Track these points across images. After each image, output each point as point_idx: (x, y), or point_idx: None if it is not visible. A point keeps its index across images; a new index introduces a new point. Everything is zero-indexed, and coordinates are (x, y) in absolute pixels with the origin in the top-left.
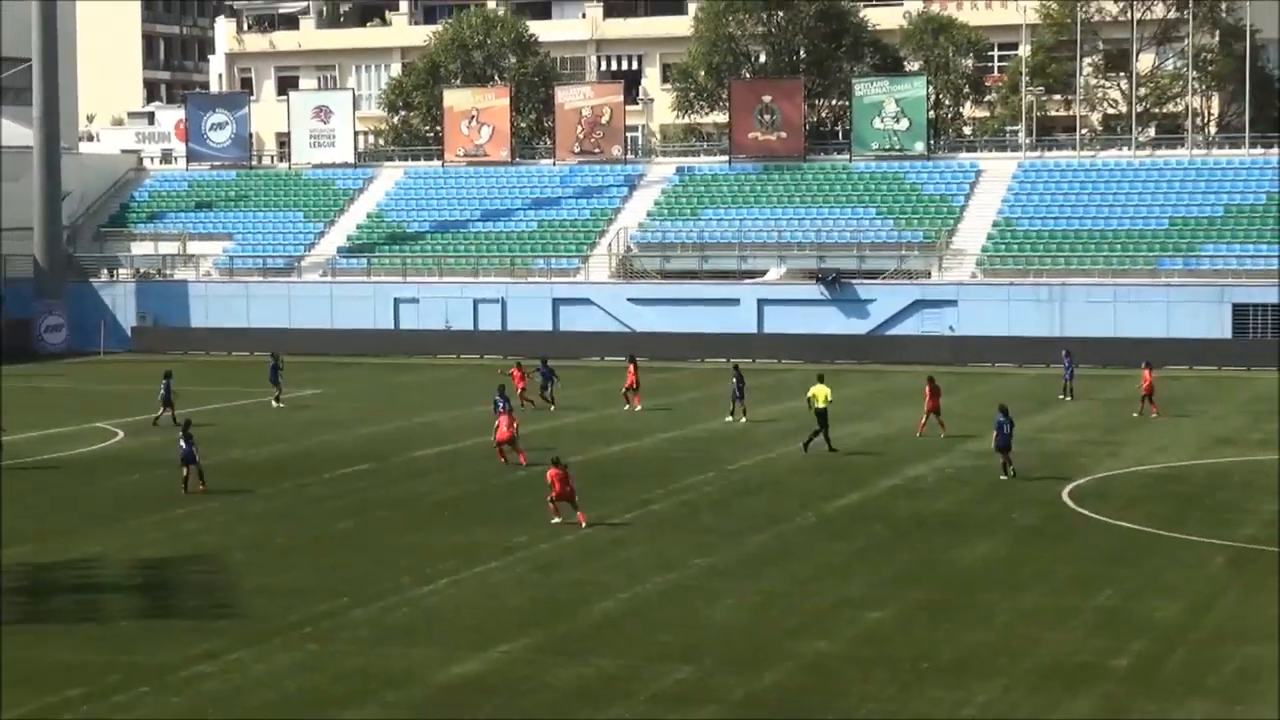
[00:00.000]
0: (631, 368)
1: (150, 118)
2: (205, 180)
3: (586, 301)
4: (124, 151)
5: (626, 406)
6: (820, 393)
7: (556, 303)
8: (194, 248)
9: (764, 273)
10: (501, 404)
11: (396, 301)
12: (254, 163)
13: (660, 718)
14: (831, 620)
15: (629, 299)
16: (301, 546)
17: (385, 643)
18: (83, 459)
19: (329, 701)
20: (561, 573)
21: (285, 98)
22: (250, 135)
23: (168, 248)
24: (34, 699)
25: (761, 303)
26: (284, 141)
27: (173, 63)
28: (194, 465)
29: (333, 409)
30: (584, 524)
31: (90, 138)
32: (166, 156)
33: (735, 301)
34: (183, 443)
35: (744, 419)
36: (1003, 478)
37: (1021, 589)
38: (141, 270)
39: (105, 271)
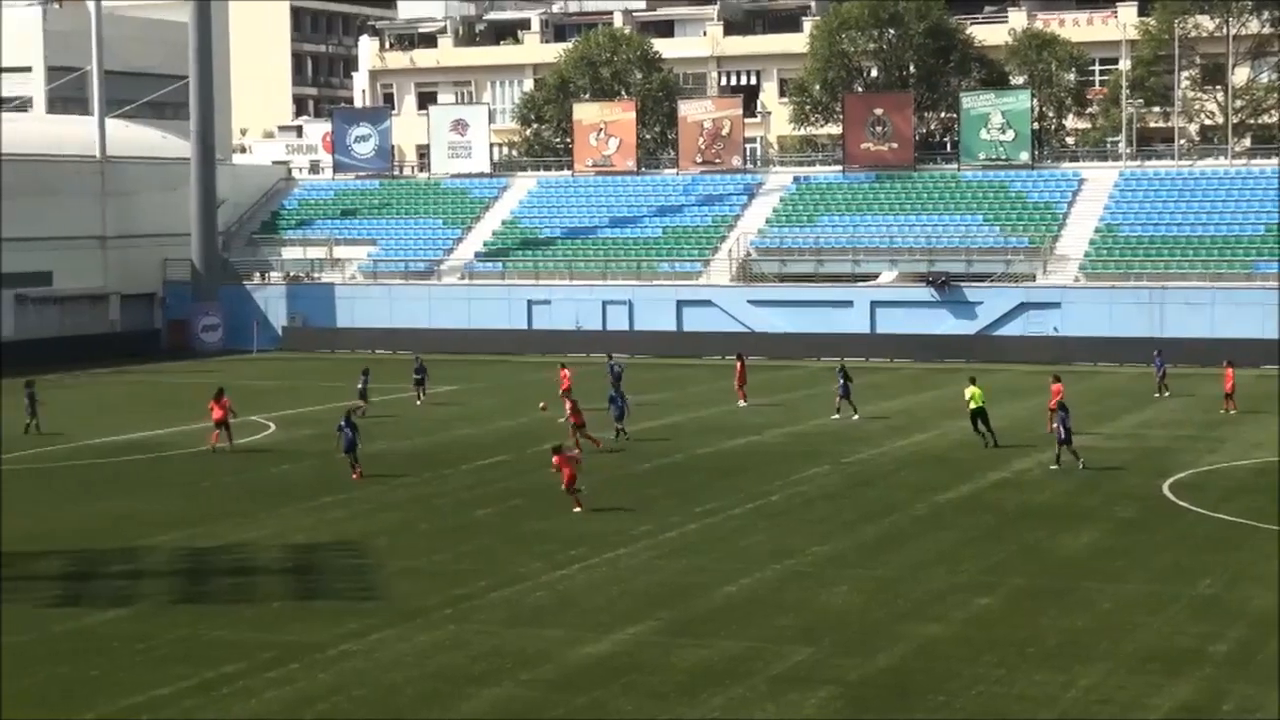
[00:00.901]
0: (740, 365)
1: (299, 131)
2: (350, 189)
3: (708, 303)
4: (275, 163)
5: (743, 403)
6: (974, 393)
7: (680, 304)
8: (340, 252)
9: (876, 276)
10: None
11: (529, 303)
12: (396, 173)
13: (779, 697)
14: (942, 605)
15: (748, 301)
16: (442, 533)
17: (520, 624)
18: (237, 450)
19: (467, 679)
20: (686, 559)
21: (425, 112)
22: (392, 147)
23: (315, 252)
24: (194, 674)
25: (874, 304)
26: (424, 153)
27: (320, 79)
28: (354, 453)
29: (470, 404)
30: (582, 501)
31: (243, 150)
32: (314, 167)
33: (849, 303)
34: (348, 431)
35: (854, 416)
36: (1053, 467)
37: (1122, 577)
38: (291, 273)
39: (257, 275)
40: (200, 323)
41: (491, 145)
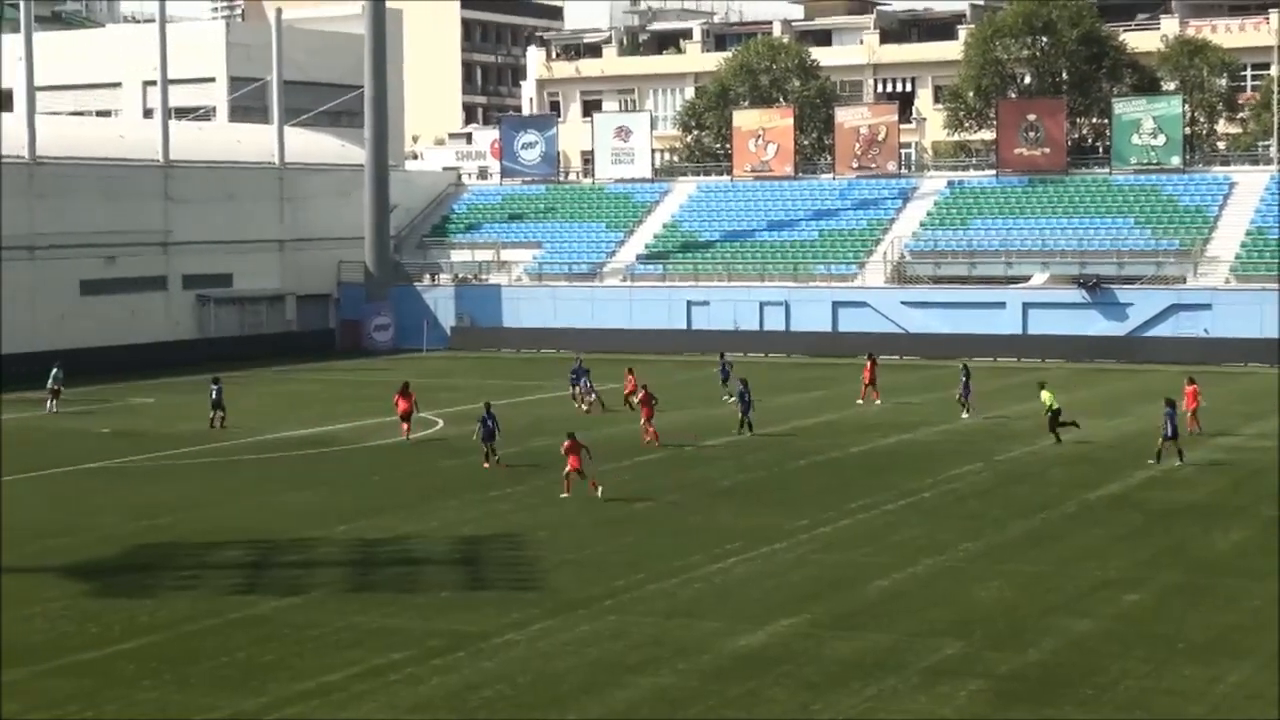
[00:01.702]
0: (869, 365)
1: (468, 138)
2: (517, 194)
3: (863, 305)
4: (445, 169)
5: (860, 401)
6: (1046, 397)
7: (836, 305)
8: (507, 255)
9: (1028, 278)
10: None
11: (689, 304)
12: (561, 178)
13: (930, 689)
14: (1091, 601)
15: (902, 302)
16: (602, 526)
17: (678, 615)
18: (407, 445)
19: (626, 668)
20: (839, 553)
21: (589, 119)
22: (558, 153)
23: (483, 255)
24: (363, 660)
25: (1026, 306)
26: (588, 159)
27: (489, 88)
28: (491, 443)
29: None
30: (588, 488)
31: (415, 156)
32: (483, 173)
33: (1001, 305)
34: (488, 421)
35: (964, 415)
36: (1150, 461)
37: (1270, 575)
38: (459, 275)
39: (427, 276)
40: (372, 323)
41: (653, 151)
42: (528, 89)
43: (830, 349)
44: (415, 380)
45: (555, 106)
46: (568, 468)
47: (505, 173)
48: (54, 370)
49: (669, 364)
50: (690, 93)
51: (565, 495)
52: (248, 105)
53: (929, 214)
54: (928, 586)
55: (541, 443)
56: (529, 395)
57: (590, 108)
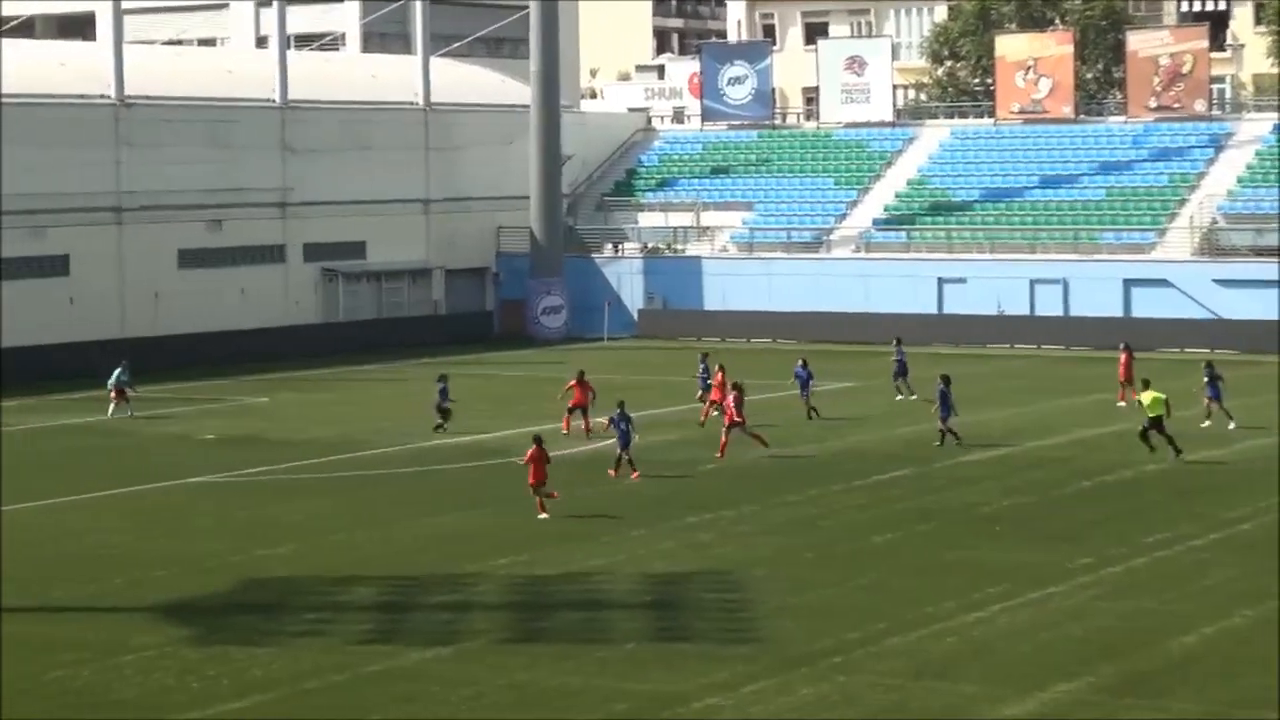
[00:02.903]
0: (1124, 358)
1: (660, 71)
2: (722, 142)
3: (1163, 283)
4: (631, 110)
5: (1122, 404)
6: (1153, 399)
7: (1127, 284)
8: (708, 219)
9: None
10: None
11: (940, 281)
12: (777, 122)
13: None
14: None
15: (1214, 280)
16: (831, 562)
17: (926, 676)
18: (584, 457)
19: None
20: (1133, 600)
21: (813, 47)
22: (773, 90)
23: (679, 219)
24: None
25: None
26: (811, 97)
27: (686, 9)
28: (626, 451)
29: (866, 404)
30: (547, 505)
31: (594, 95)
32: (678, 115)
33: None
34: (622, 425)
35: (1205, 423)
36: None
37: None
38: (650, 245)
39: (609, 246)
40: (540, 304)
41: (895, 88)
42: (735, 10)
43: (1120, 338)
44: (596, 378)
45: (769, 31)
46: (530, 480)
47: (707, 115)
48: (118, 370)
49: (912, 357)
50: (942, 13)
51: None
52: (384, 31)
53: (1249, 167)
54: (1245, 644)
55: (755, 456)
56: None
57: (814, 33)
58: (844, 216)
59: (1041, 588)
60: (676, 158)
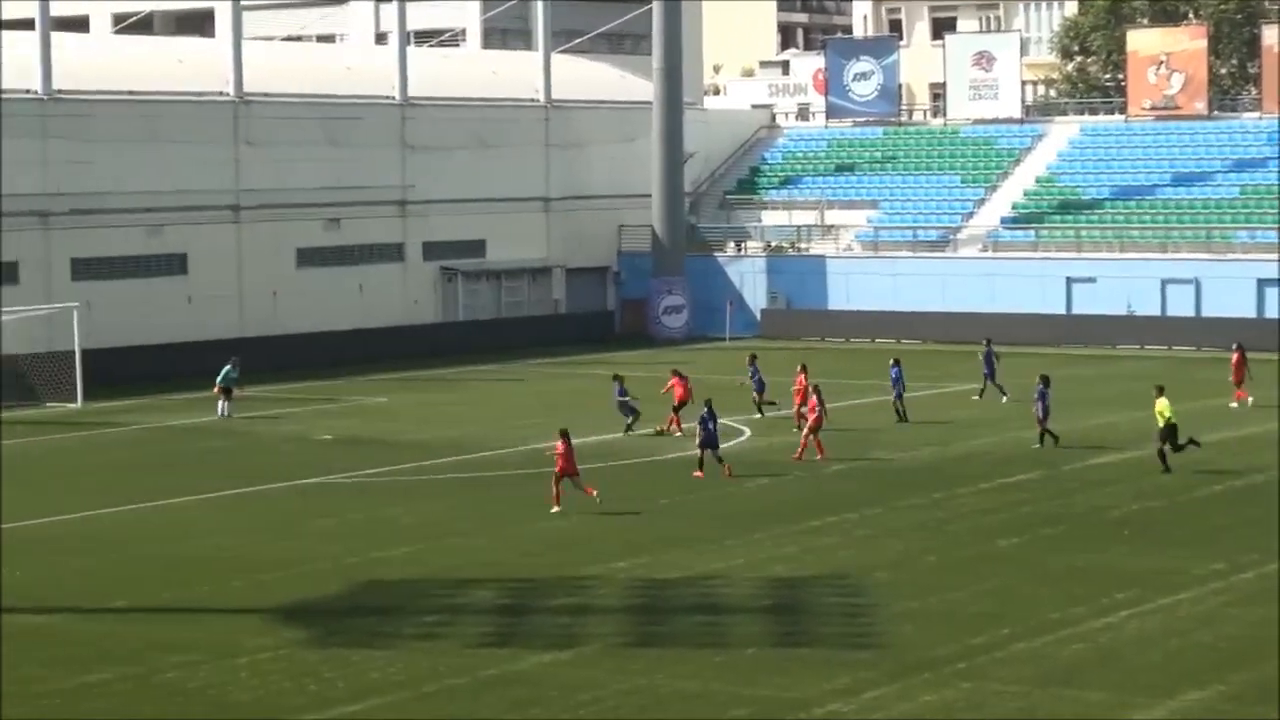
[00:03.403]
0: (1236, 358)
1: (784, 67)
2: (847, 139)
3: None
4: (754, 107)
5: (1234, 404)
6: (1163, 407)
7: (1261, 284)
8: (833, 217)
9: None
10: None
11: (1069, 281)
12: (903, 118)
13: None
14: None
15: None
16: (955, 566)
17: (1052, 683)
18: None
19: None
20: (1264, 607)
21: (940, 42)
22: (899, 86)
23: (803, 217)
24: None
25: None
26: (938, 94)
27: (811, 4)
28: (712, 449)
29: (990, 406)
30: (594, 495)
31: (717, 91)
32: (803, 112)
33: None
34: (709, 424)
35: None
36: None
37: None
38: (773, 243)
39: (732, 245)
40: (661, 303)
41: (1023, 83)
42: (861, 5)
43: (1254, 341)
44: (715, 376)
45: (896, 26)
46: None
47: (831, 111)
48: (226, 367)
49: (1040, 358)
50: (1072, 8)
51: (556, 509)
52: (505, 27)
53: None
54: None
55: (880, 457)
56: (860, 398)
57: (941, 28)
58: (971, 215)
59: (1171, 594)
60: (800, 155)
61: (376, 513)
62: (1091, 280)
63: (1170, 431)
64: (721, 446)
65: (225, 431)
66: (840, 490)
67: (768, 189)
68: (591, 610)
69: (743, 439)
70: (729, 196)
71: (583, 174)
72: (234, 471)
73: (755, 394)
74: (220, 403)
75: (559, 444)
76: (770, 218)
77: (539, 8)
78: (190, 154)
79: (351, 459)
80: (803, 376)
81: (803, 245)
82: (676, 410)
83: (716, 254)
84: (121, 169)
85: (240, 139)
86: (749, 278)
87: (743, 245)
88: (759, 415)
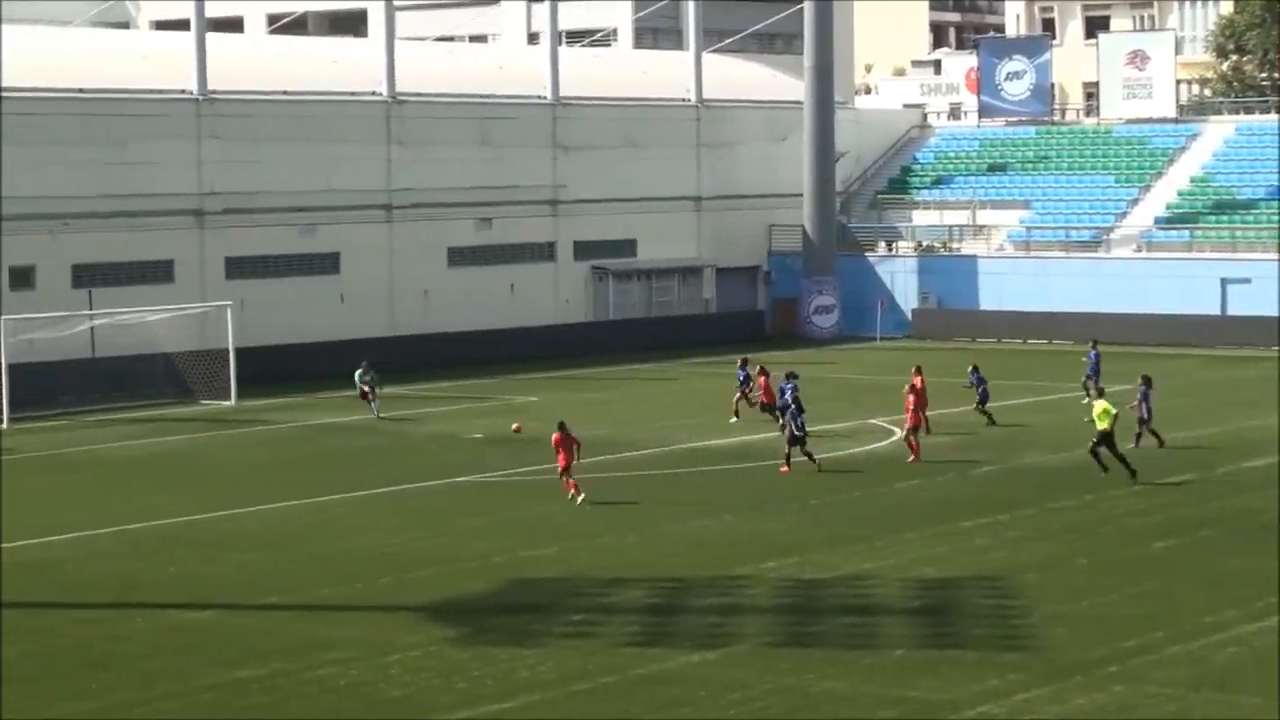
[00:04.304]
0: None
1: (936, 67)
2: (999, 139)
3: None
4: (906, 106)
5: None
6: (1103, 410)
7: None
8: (984, 217)
9: None
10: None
11: (1224, 282)
12: (1056, 118)
13: None
14: None
15: None
16: (1108, 569)
17: (1206, 686)
18: (854, 460)
19: None
20: None
21: (1094, 41)
22: (1052, 86)
23: (954, 217)
24: None
25: None
26: (1091, 93)
27: (964, 3)
28: (800, 445)
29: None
30: (578, 496)
31: (868, 91)
32: (955, 111)
33: None
34: (797, 419)
35: None
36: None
37: None
38: (924, 243)
39: (883, 244)
40: (812, 303)
41: (1178, 83)
42: (1014, 5)
43: None
44: (866, 377)
45: (1049, 25)
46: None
47: (984, 111)
48: (359, 370)
49: (1194, 359)
50: (1228, 6)
51: (579, 497)
52: (657, 26)
53: None
54: None
55: (1032, 459)
56: (1011, 399)
57: (1094, 26)
58: (1124, 215)
59: None
60: (952, 155)
61: (526, 511)
62: (1246, 281)
63: (1106, 436)
64: (869, 447)
65: (377, 430)
66: (992, 491)
67: (919, 189)
68: (741, 610)
69: (894, 438)
70: (880, 196)
71: (733, 173)
72: (385, 470)
73: (978, 403)
74: (373, 402)
75: (555, 435)
76: (921, 217)
77: (690, 8)
78: (343, 154)
79: (502, 458)
80: (920, 380)
81: (954, 245)
82: (765, 410)
83: (867, 254)
84: (275, 169)
85: (393, 139)
86: (900, 278)
87: (894, 245)
88: (990, 423)
